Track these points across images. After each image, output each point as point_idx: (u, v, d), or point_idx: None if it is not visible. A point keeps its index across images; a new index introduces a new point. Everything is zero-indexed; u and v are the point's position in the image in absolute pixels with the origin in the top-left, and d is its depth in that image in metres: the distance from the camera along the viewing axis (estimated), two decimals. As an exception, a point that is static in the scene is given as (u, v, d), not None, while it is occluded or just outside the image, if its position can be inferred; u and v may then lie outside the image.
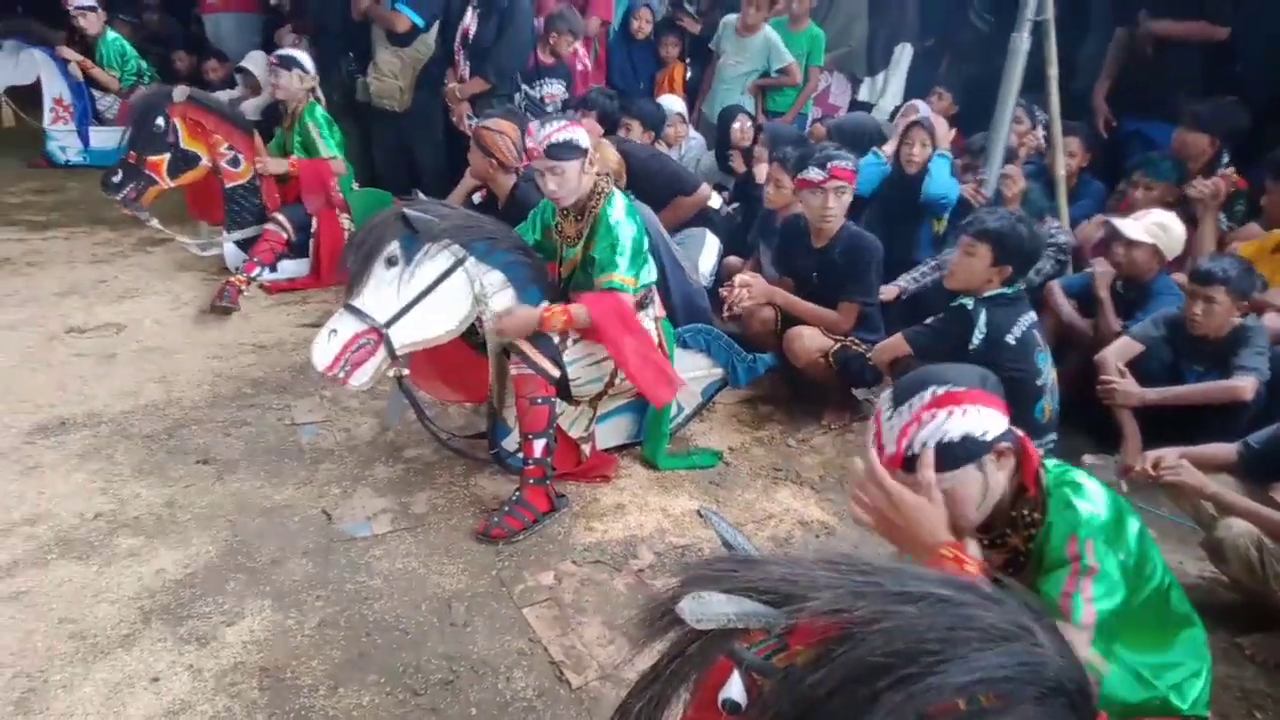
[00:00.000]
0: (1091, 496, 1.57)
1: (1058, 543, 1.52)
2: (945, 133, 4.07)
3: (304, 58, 4.63)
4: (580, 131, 2.77)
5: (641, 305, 2.96)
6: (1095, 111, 4.50)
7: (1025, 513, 1.58)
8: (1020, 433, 1.57)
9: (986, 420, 1.49)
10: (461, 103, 5.00)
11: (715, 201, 4.72)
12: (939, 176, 3.92)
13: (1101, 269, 3.30)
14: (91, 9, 6.44)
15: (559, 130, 2.73)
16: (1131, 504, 1.66)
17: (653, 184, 4.04)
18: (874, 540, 2.75)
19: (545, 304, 2.76)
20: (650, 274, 2.96)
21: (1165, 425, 2.94)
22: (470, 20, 4.96)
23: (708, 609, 0.98)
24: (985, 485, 1.52)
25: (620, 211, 2.83)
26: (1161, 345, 3.03)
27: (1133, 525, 1.59)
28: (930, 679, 0.91)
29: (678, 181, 4.16)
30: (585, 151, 2.77)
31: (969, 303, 2.77)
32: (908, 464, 1.48)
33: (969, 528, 1.57)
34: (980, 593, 1.03)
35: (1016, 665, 0.96)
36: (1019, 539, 1.60)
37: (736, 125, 4.84)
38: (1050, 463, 1.63)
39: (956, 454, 1.48)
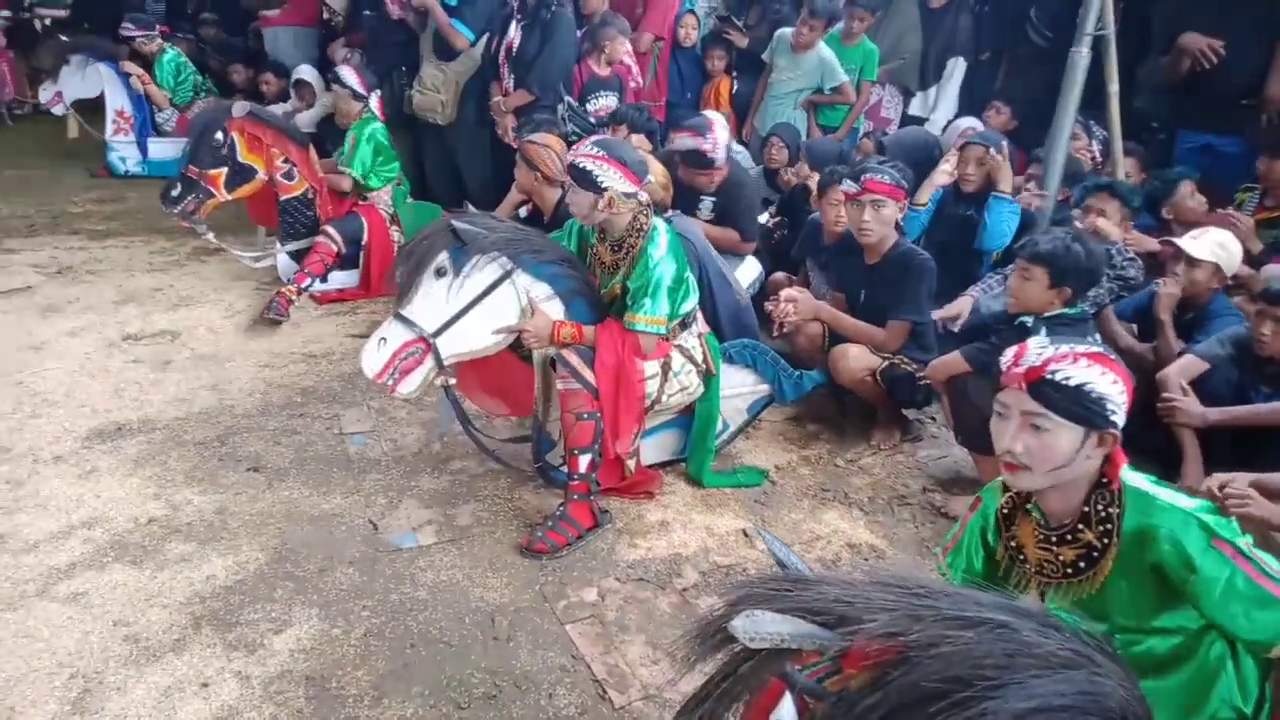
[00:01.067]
0: (1170, 493, 1.56)
1: (1201, 550, 1.48)
2: (1008, 173, 3.83)
3: (350, 76, 4.73)
4: (608, 170, 2.67)
5: (685, 325, 2.95)
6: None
7: (1100, 507, 1.57)
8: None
9: (1120, 404, 1.51)
10: (506, 116, 5.05)
11: (762, 216, 4.72)
12: (995, 230, 3.77)
13: (1166, 290, 3.21)
14: (136, 36, 6.63)
15: (585, 157, 2.70)
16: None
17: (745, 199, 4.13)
18: (926, 566, 2.71)
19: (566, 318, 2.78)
20: (690, 303, 2.93)
21: (1227, 447, 2.86)
22: (514, 34, 5.00)
23: (761, 628, 0.97)
24: (1073, 456, 1.52)
25: (663, 249, 2.76)
26: (1227, 365, 2.94)
27: None
28: (986, 705, 0.89)
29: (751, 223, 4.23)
30: (602, 190, 2.68)
31: (1029, 320, 2.71)
32: (1034, 387, 1.50)
33: (1027, 483, 1.57)
34: (1040, 619, 1.01)
35: (1076, 694, 0.94)
36: (1093, 534, 1.58)
37: (768, 147, 4.86)
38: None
39: (1079, 407, 1.49)
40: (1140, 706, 1.00)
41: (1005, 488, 1.75)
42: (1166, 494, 1.55)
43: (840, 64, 5.30)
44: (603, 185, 2.69)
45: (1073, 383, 1.48)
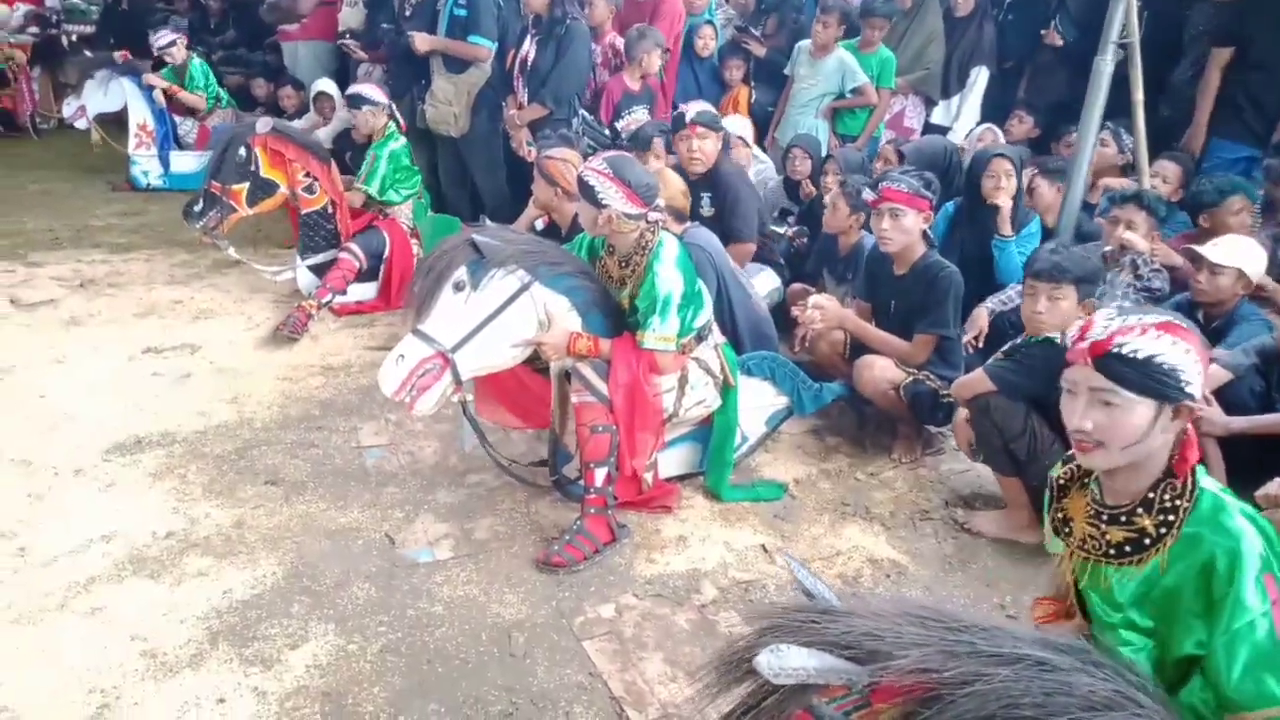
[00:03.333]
0: (1243, 517, 1.48)
1: (1246, 577, 1.40)
2: (1006, 216, 3.75)
3: (369, 91, 4.74)
4: (610, 189, 2.66)
5: (701, 338, 2.92)
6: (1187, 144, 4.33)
7: (1167, 497, 1.51)
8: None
9: (1195, 374, 1.43)
10: (521, 129, 5.05)
11: (780, 229, 4.70)
12: (1007, 268, 3.74)
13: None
14: (173, 44, 6.71)
15: (591, 172, 2.71)
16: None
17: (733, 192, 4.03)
18: (949, 582, 2.67)
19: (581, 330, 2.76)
20: (703, 318, 2.91)
21: (1250, 458, 2.82)
22: (529, 47, 5.02)
23: (786, 663, 0.95)
24: (1148, 431, 1.45)
25: (669, 265, 2.74)
26: (1252, 374, 2.90)
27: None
28: None
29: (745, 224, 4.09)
30: (602, 206, 2.68)
31: (1057, 337, 2.66)
32: (1100, 361, 1.44)
33: (1102, 462, 1.51)
34: (1081, 656, 0.98)
35: None
36: (1150, 521, 1.52)
37: (790, 158, 4.85)
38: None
39: (1151, 380, 1.42)
40: None
41: (1065, 460, 1.72)
42: (1241, 516, 1.47)
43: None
44: (603, 202, 2.68)
45: (1141, 355, 1.41)
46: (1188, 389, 1.43)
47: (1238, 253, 3.12)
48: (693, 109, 3.96)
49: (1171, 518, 1.50)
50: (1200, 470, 1.52)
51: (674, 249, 2.79)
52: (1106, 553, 1.58)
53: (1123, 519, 1.56)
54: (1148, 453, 1.49)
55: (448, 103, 5.18)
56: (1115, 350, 1.43)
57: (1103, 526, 1.59)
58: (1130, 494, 1.55)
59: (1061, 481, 1.70)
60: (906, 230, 3.16)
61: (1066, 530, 1.68)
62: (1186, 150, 4.38)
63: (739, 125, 5.09)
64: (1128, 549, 1.55)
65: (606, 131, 5.00)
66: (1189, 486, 1.50)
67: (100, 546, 2.70)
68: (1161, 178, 3.97)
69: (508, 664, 2.30)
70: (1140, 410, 1.44)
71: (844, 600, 1.10)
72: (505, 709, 2.15)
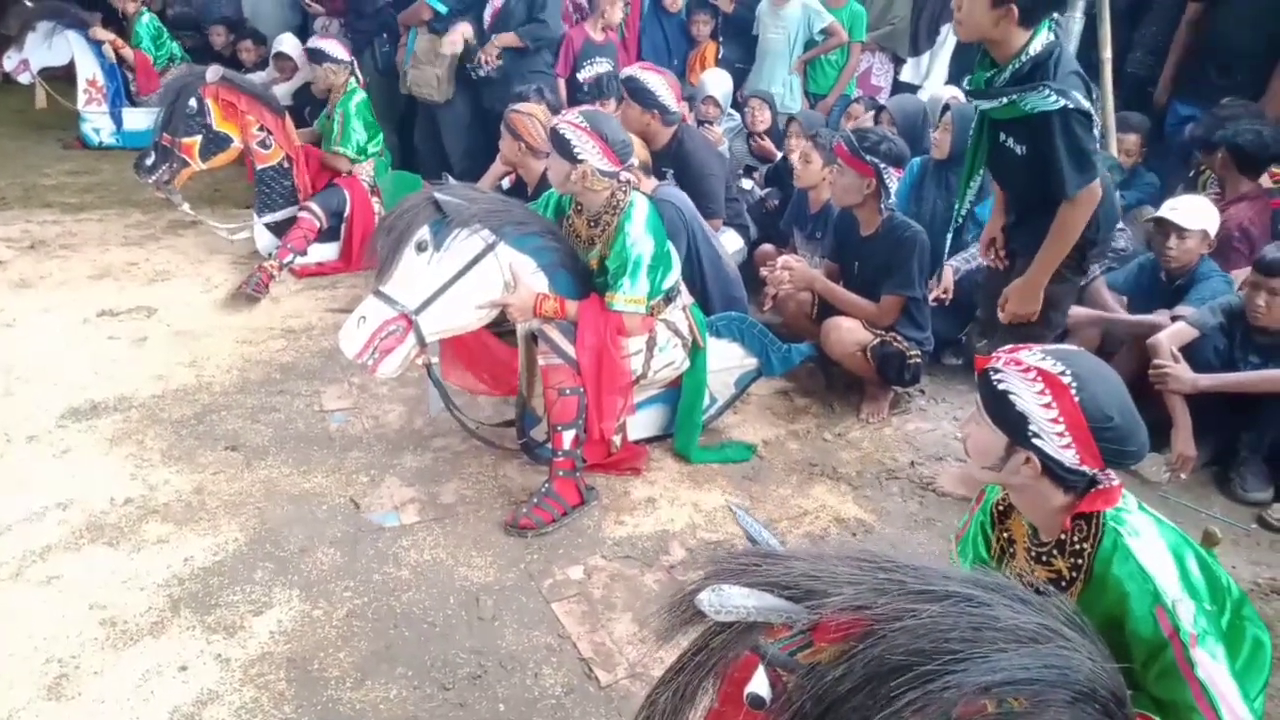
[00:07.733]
0: (1150, 546, 1.45)
1: (1141, 613, 1.40)
2: None
3: (332, 48, 4.57)
4: (587, 143, 2.61)
5: (669, 299, 2.90)
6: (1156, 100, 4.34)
7: (1076, 538, 1.51)
8: (1113, 481, 1.50)
9: (1048, 432, 1.43)
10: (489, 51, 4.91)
11: (747, 184, 4.65)
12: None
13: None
14: None
15: (567, 125, 2.64)
16: (1184, 505, 1.58)
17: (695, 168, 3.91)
18: (914, 540, 2.70)
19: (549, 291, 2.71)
20: (671, 279, 2.88)
21: (1216, 414, 2.92)
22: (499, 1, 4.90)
23: (726, 602, 0.99)
24: (998, 463, 1.51)
25: (640, 226, 2.70)
26: (1217, 333, 2.97)
27: (1192, 562, 1.46)
28: (948, 678, 0.90)
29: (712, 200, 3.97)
30: (577, 161, 2.63)
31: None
32: (979, 376, 1.52)
33: (971, 472, 1.61)
34: (1009, 593, 1.02)
35: (1042, 668, 0.95)
36: (1064, 564, 1.52)
37: (748, 110, 4.77)
38: (1119, 507, 1.49)
39: (998, 414, 1.49)
40: (1111, 679, 1.01)
41: None
42: (1148, 549, 1.43)
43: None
44: (579, 156, 2.63)
45: (1000, 387, 1.47)
46: (1033, 440, 1.44)
47: (1200, 214, 3.17)
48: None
49: (1080, 560, 1.49)
50: (1114, 509, 1.48)
51: (644, 210, 2.75)
52: (1036, 590, 1.57)
53: (1044, 558, 1.57)
54: (1008, 482, 1.54)
55: (429, 63, 5.02)
56: (988, 372, 1.50)
57: (1032, 565, 1.60)
58: (1048, 530, 1.56)
59: (1001, 508, 1.71)
60: (845, 189, 3.16)
61: (1010, 553, 1.68)
62: (1156, 105, 4.39)
63: (719, 81, 5.00)
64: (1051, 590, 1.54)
65: (585, 87, 4.89)
66: (1094, 527, 1.48)
67: (56, 514, 2.63)
68: (1125, 151, 3.98)
69: (476, 627, 2.29)
70: (989, 436, 1.50)
71: (787, 546, 1.14)
72: (474, 671, 2.15)
